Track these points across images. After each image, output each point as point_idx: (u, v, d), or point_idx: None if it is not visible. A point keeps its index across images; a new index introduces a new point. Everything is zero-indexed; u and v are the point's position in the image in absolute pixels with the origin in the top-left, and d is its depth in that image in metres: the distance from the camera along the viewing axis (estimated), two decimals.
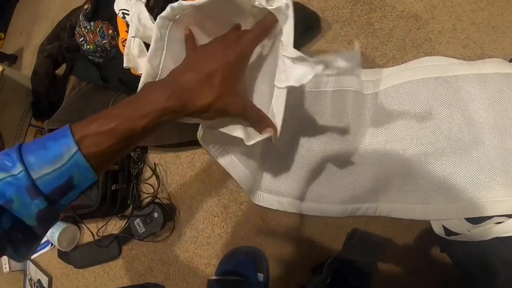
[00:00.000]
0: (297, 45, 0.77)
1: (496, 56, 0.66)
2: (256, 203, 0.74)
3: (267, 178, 0.75)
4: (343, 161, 0.69)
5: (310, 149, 0.71)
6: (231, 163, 0.66)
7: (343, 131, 0.69)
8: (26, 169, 0.35)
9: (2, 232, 0.34)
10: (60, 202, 0.37)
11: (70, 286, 1.01)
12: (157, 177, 0.89)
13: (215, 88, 0.43)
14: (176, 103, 0.42)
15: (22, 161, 0.35)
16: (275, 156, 0.74)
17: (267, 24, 0.47)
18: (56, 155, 0.36)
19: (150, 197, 0.87)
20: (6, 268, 1.15)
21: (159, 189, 0.88)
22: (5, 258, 1.15)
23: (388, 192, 0.66)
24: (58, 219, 0.40)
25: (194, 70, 0.44)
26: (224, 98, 0.44)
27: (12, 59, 1.57)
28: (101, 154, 0.38)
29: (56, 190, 0.36)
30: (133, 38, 0.80)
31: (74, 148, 0.36)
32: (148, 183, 0.90)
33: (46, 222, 0.38)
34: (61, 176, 0.36)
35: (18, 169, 0.34)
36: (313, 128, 0.72)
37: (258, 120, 0.49)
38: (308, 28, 0.78)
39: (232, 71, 0.45)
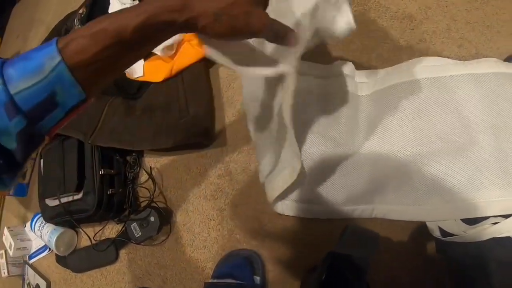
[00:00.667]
0: None
1: (491, 55, 0.66)
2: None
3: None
4: (337, 163, 0.68)
5: (303, 151, 0.71)
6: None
7: (337, 133, 0.69)
8: (4, 83, 0.30)
9: None
10: (43, 121, 0.33)
11: None
12: (153, 181, 0.88)
13: None
14: (176, 1, 0.34)
15: (1, 75, 0.30)
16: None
17: None
18: (37, 65, 0.31)
19: (146, 201, 0.87)
20: (4, 273, 1.15)
21: (155, 193, 0.87)
22: (3, 263, 1.15)
23: (384, 194, 0.66)
24: (42, 142, 0.35)
25: None
26: (241, 4, 0.36)
27: None
28: (86, 63, 0.32)
29: (37, 107, 0.31)
30: None
31: (57, 58, 0.31)
32: (144, 187, 0.90)
33: (27, 144, 0.33)
34: (42, 91, 0.31)
35: None
36: (306, 131, 0.72)
37: (284, 33, 0.40)
38: None
39: None
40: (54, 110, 0.32)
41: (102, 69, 0.34)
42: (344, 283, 0.59)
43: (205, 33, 0.37)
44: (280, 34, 0.40)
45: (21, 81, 0.30)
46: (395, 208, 0.65)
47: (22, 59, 0.31)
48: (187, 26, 0.35)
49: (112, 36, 0.32)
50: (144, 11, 0.33)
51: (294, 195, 0.70)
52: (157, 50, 0.79)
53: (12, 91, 0.30)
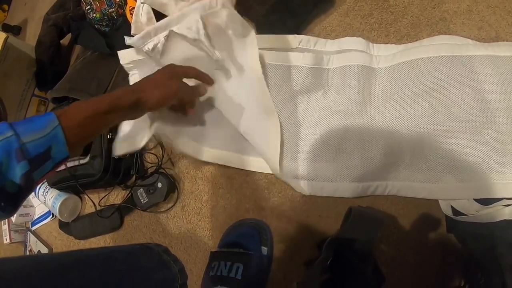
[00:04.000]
0: (309, 17, 0.77)
1: (511, 40, 0.64)
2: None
3: None
4: (350, 137, 0.67)
5: (315, 127, 0.70)
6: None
7: (348, 105, 0.68)
8: (17, 134, 0.40)
9: None
10: (37, 171, 0.43)
11: None
12: (162, 147, 0.87)
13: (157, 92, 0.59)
14: (132, 98, 0.55)
15: (13, 128, 0.41)
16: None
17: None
18: (41, 126, 0.43)
19: (154, 167, 0.86)
20: (6, 239, 1.15)
21: (163, 159, 0.86)
22: (6, 230, 1.15)
23: (398, 170, 0.65)
24: (32, 190, 0.45)
25: (145, 84, 0.60)
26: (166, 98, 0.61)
27: (16, 31, 1.55)
28: (75, 127, 0.46)
29: (38, 156, 0.42)
30: (142, 5, 0.79)
31: (56, 122, 0.44)
32: (152, 153, 0.89)
33: (25, 189, 0.42)
34: (43, 144, 0.42)
35: (9, 133, 0.40)
36: (317, 105, 0.71)
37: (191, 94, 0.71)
38: (321, 0, 0.76)
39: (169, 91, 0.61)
40: (47, 161, 0.43)
41: (84, 135, 0.49)
42: (349, 267, 0.59)
43: (148, 107, 0.58)
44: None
45: (29, 135, 0.41)
46: (409, 185, 0.64)
47: (28, 121, 0.43)
48: (137, 103, 0.56)
49: (90, 112, 0.49)
50: (110, 101, 0.52)
51: (308, 174, 0.69)
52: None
53: (22, 141, 0.41)
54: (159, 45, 0.73)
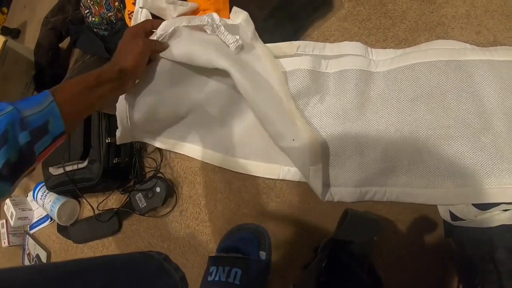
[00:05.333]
0: (308, 22, 0.77)
1: (509, 44, 0.64)
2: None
3: None
4: (348, 141, 0.67)
5: (312, 131, 0.70)
6: None
7: (346, 109, 0.68)
8: (17, 109, 0.43)
9: None
10: (38, 143, 0.45)
11: None
12: (160, 151, 0.87)
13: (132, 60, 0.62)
14: (113, 69, 0.59)
15: (12, 104, 0.43)
16: None
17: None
18: (38, 102, 0.46)
19: (153, 172, 0.86)
20: (4, 242, 1.15)
21: (162, 164, 0.86)
22: (4, 233, 1.15)
23: (396, 176, 0.65)
24: (33, 164, 0.46)
25: (118, 55, 0.63)
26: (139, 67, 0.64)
27: (14, 34, 1.55)
28: (67, 102, 0.49)
29: (37, 129, 0.44)
30: (140, 9, 0.79)
31: (51, 98, 0.47)
32: (151, 158, 0.89)
33: (26, 161, 0.44)
34: (40, 118, 0.45)
35: (9, 108, 0.43)
36: (315, 109, 0.71)
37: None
38: (320, 5, 0.76)
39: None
40: (45, 136, 0.46)
41: (77, 108, 0.52)
42: (345, 269, 0.59)
43: (129, 72, 0.62)
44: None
45: (28, 110, 0.44)
46: (408, 190, 0.64)
47: (25, 99, 0.46)
48: (120, 73, 0.60)
49: (80, 86, 0.52)
50: (96, 72, 0.56)
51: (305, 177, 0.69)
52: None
53: (22, 115, 0.43)
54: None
